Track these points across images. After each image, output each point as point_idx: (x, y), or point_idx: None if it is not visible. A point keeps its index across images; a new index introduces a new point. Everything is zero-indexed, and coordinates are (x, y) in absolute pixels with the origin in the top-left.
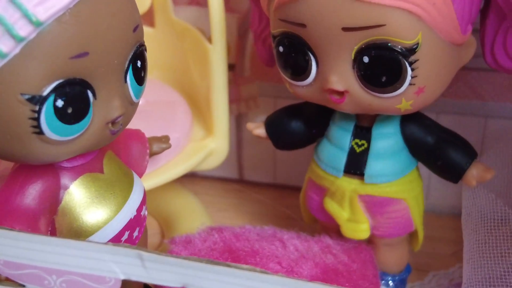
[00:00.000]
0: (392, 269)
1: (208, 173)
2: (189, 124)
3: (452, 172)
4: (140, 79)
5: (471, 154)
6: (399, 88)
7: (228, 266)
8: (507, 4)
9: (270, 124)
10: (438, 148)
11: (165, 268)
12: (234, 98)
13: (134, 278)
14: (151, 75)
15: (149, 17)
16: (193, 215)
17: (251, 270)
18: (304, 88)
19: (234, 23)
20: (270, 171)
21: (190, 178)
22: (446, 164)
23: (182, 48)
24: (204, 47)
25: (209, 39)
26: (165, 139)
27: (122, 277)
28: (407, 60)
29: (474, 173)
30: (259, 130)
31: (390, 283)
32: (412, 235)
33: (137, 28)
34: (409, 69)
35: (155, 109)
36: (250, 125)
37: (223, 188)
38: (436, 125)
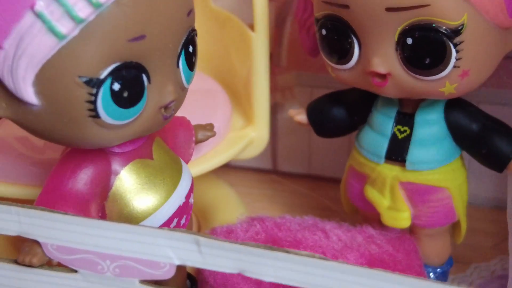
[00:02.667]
0: (434, 261)
1: (242, 164)
2: (229, 113)
3: (497, 160)
4: (191, 64)
5: None
6: (443, 70)
7: (287, 252)
8: None
9: (312, 111)
10: (483, 136)
11: (221, 253)
12: (270, 88)
13: (189, 263)
14: None
15: None
16: (230, 206)
17: (311, 256)
18: (347, 72)
19: (271, 11)
20: (304, 162)
21: (224, 169)
22: (491, 152)
23: (222, 36)
24: (247, 35)
25: (251, 27)
26: (209, 127)
27: (177, 262)
28: (451, 42)
29: None
30: (301, 116)
31: (431, 275)
32: (455, 227)
33: (190, 12)
34: (453, 51)
35: (195, 99)
36: (292, 112)
37: (257, 179)
38: (481, 113)
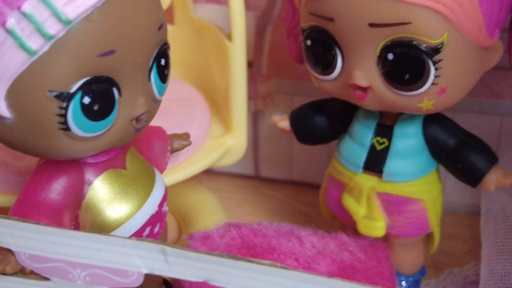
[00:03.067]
0: (406, 269)
1: (225, 170)
2: (207, 121)
3: (471, 176)
4: (163, 77)
5: (491, 159)
6: (421, 87)
7: (250, 261)
8: None
9: (295, 118)
10: (459, 151)
11: (187, 263)
12: (251, 95)
13: (156, 272)
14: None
15: (168, 15)
16: (210, 211)
17: (272, 265)
18: (329, 83)
19: (252, 20)
20: (286, 168)
21: (207, 175)
22: (466, 167)
23: (201, 45)
24: (224, 45)
25: (229, 37)
26: (185, 136)
27: (145, 271)
28: (431, 59)
29: (493, 178)
30: (284, 123)
31: (403, 283)
32: (428, 237)
33: (161, 27)
34: (432, 68)
35: (174, 106)
36: (275, 118)
37: (239, 185)
38: (458, 128)
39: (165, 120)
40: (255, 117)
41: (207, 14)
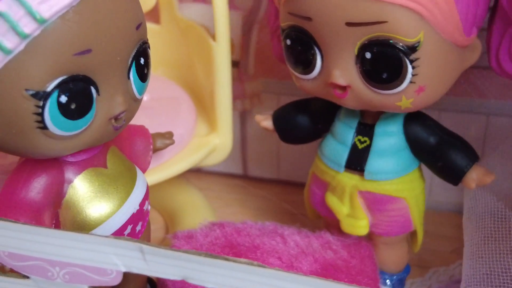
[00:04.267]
0: (390, 268)
1: (213, 169)
2: (193, 120)
3: (452, 174)
4: (143, 76)
5: (472, 157)
6: (399, 85)
7: (227, 259)
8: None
9: (278, 117)
10: (439, 150)
11: (165, 261)
12: (239, 95)
13: (134, 270)
14: (156, 71)
15: (155, 14)
16: (198, 210)
17: (249, 264)
18: (309, 82)
19: (238, 20)
20: (273, 167)
21: (195, 174)
22: (447, 166)
23: (186, 45)
24: (208, 44)
25: (213, 36)
26: (168, 135)
27: (123, 269)
28: (408, 58)
29: (474, 176)
30: (267, 122)
31: (388, 282)
32: (412, 236)
33: (140, 26)
34: (409, 67)
35: (160, 105)
36: (258, 117)
37: (228, 184)
38: (439, 127)
39: (151, 119)
40: (242, 117)
41: (193, 13)
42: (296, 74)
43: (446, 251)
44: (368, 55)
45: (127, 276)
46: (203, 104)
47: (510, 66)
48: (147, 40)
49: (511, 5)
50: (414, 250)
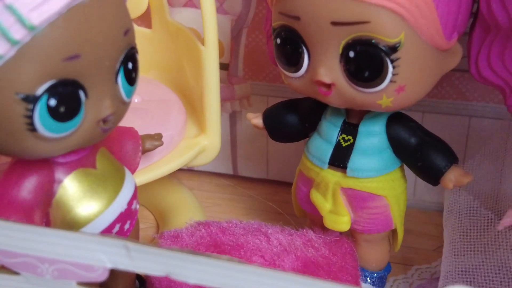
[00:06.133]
0: (371, 266)
1: (203, 169)
2: (182, 122)
3: (431, 174)
4: (131, 79)
5: (451, 158)
6: (380, 84)
7: (208, 256)
8: (491, 17)
9: (267, 116)
10: (419, 150)
11: (149, 258)
12: (228, 97)
13: (120, 267)
14: (147, 74)
15: (146, 19)
16: (188, 210)
17: (229, 260)
18: (297, 80)
19: (228, 24)
20: (263, 167)
21: (186, 173)
22: (426, 166)
23: (176, 49)
24: (197, 48)
25: (203, 41)
26: (157, 137)
27: (110, 265)
28: (388, 58)
29: (451, 177)
30: (257, 120)
31: (368, 279)
32: (394, 235)
33: (128, 32)
34: (390, 66)
35: (150, 107)
36: (249, 115)
37: (218, 183)
38: (420, 128)
39: (141, 120)
40: (232, 118)
41: (184, 18)
42: (285, 72)
43: (428, 249)
44: (351, 54)
45: (115, 273)
46: (193, 106)
47: (488, 73)
48: (135, 45)
49: (491, 13)
50: (395, 249)
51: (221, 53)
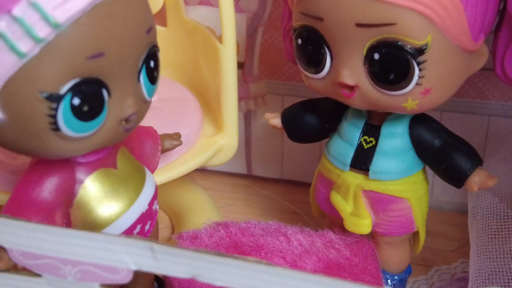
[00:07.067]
0: (392, 268)
1: (218, 168)
2: (199, 121)
3: (455, 176)
4: (153, 78)
5: (475, 161)
6: (405, 87)
7: (235, 258)
8: None
9: (286, 116)
10: (443, 152)
11: (175, 259)
12: (243, 96)
13: (145, 268)
14: (163, 73)
15: (161, 17)
16: (203, 210)
17: (257, 262)
18: (318, 81)
19: (243, 22)
20: (277, 167)
21: (200, 173)
22: (450, 168)
23: (193, 47)
24: (214, 46)
25: (220, 39)
26: (176, 136)
27: (134, 267)
28: (415, 60)
29: (476, 179)
30: (275, 120)
31: (389, 282)
32: (414, 237)
33: (150, 30)
34: (416, 69)
35: (167, 106)
36: (268, 115)
37: (232, 183)
38: (444, 130)
39: (158, 120)
40: (247, 117)
41: (200, 16)
42: (306, 73)
43: (448, 250)
44: (376, 56)
45: (135, 274)
46: (209, 105)
47: None
48: (157, 43)
49: None
50: (416, 251)
51: (236, 51)
